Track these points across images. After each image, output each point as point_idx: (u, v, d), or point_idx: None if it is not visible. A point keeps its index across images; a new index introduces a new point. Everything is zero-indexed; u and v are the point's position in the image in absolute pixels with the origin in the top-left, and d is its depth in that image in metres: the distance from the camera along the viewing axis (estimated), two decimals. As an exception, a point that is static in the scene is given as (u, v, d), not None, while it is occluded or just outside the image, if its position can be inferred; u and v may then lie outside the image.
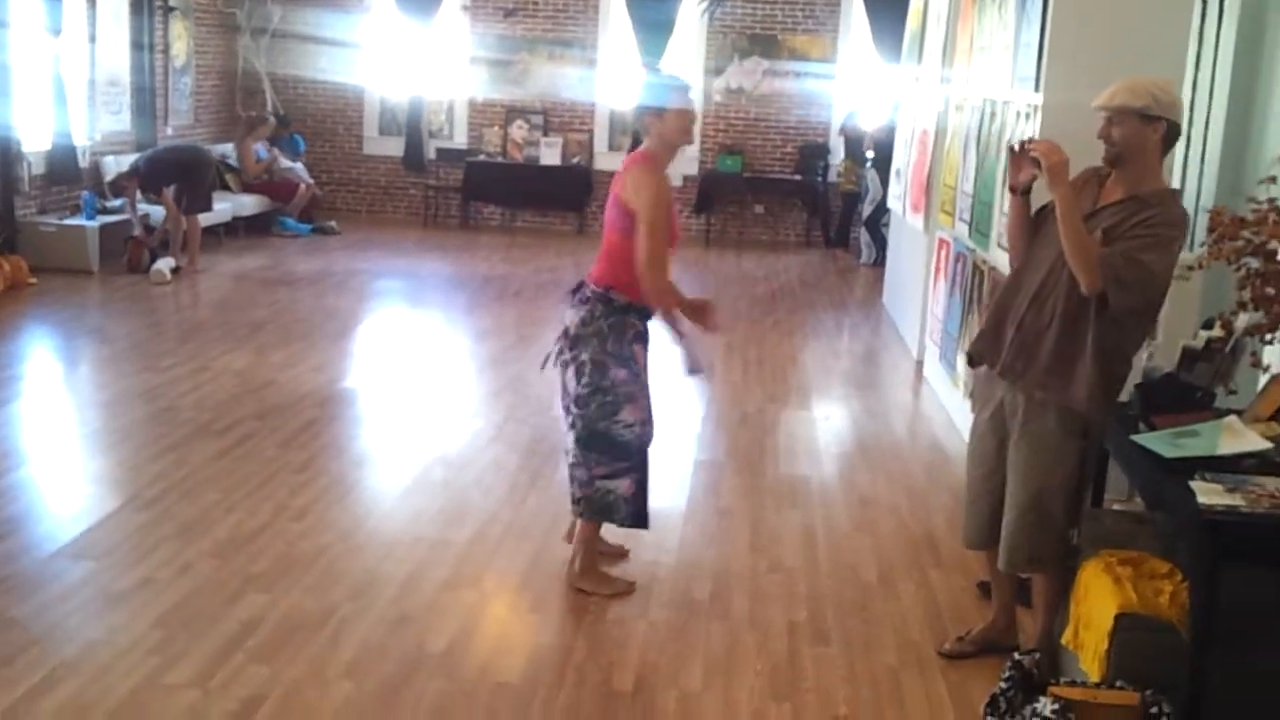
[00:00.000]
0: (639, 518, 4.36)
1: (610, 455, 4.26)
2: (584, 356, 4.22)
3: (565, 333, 4.31)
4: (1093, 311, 3.54)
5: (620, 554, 4.65)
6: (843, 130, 13.15)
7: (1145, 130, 3.49)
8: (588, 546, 4.40)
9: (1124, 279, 3.44)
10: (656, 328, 4.36)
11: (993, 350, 3.76)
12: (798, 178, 13.59)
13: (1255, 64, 6.38)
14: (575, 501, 4.36)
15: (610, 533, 4.54)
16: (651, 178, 4.15)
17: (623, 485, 4.28)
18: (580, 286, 4.33)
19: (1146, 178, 3.56)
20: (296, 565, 4.44)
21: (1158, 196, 3.54)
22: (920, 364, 8.08)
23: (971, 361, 3.91)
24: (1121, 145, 3.52)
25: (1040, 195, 3.67)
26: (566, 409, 4.34)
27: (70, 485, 5.26)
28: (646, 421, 4.29)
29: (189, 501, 5.01)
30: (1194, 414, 3.59)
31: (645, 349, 4.31)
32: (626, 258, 4.15)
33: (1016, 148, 3.69)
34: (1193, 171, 6.31)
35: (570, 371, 4.28)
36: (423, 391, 7.04)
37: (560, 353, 4.31)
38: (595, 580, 4.38)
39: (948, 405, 7.04)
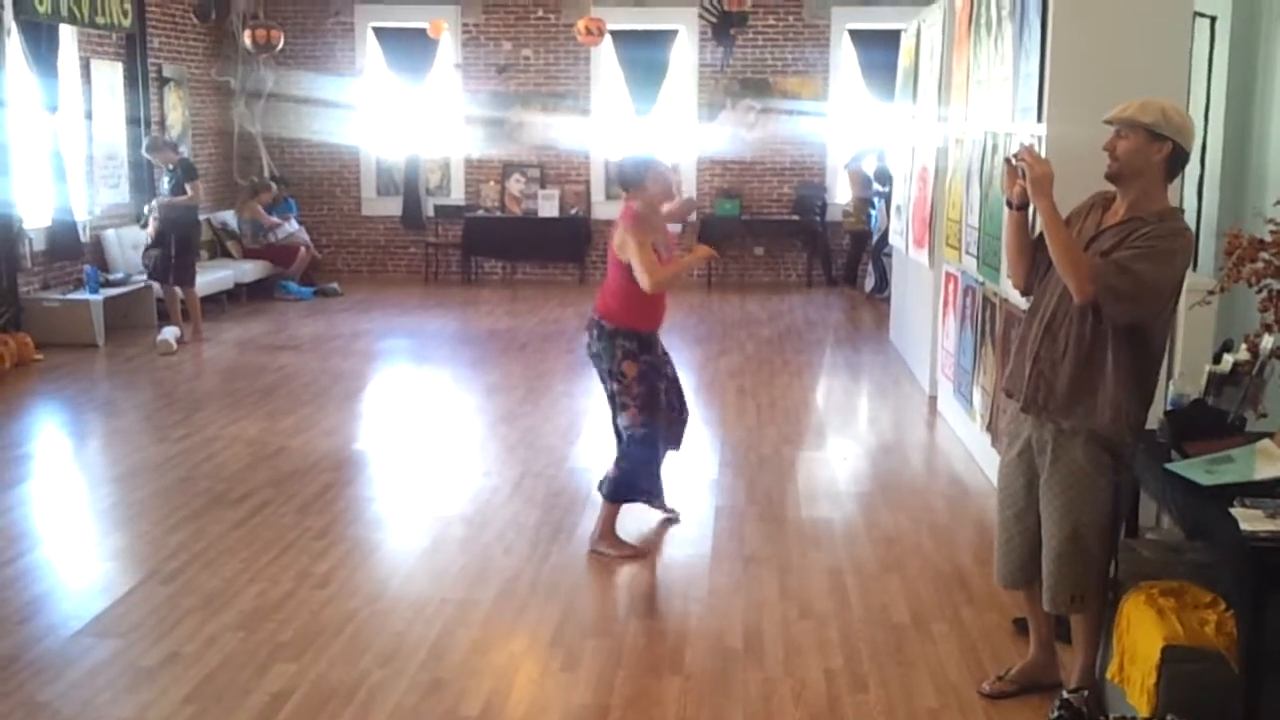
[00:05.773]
0: (614, 493, 5.25)
1: (622, 446, 5.28)
2: (601, 368, 5.24)
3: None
4: (1108, 335, 3.50)
5: (638, 554, 5.29)
6: (850, 170, 13.06)
7: (1149, 148, 3.46)
8: (605, 522, 5.30)
9: (1116, 287, 3.40)
10: (648, 344, 5.21)
11: (1018, 385, 3.73)
12: (795, 218, 13.64)
13: (1249, 84, 6.42)
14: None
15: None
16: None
17: (612, 468, 5.28)
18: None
19: (1148, 199, 3.51)
20: (323, 633, 4.39)
21: (1157, 215, 3.49)
22: (933, 399, 8.05)
23: (1009, 395, 3.87)
24: (1124, 160, 3.48)
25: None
26: None
27: (89, 562, 5.21)
28: (644, 425, 5.16)
29: (211, 573, 4.97)
30: (1226, 440, 3.56)
31: (636, 364, 5.14)
32: (615, 290, 5.15)
33: (1013, 160, 3.66)
34: (1191, 190, 6.32)
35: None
36: (436, 450, 7.00)
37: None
38: (609, 543, 5.25)
39: (964, 439, 7.00)
